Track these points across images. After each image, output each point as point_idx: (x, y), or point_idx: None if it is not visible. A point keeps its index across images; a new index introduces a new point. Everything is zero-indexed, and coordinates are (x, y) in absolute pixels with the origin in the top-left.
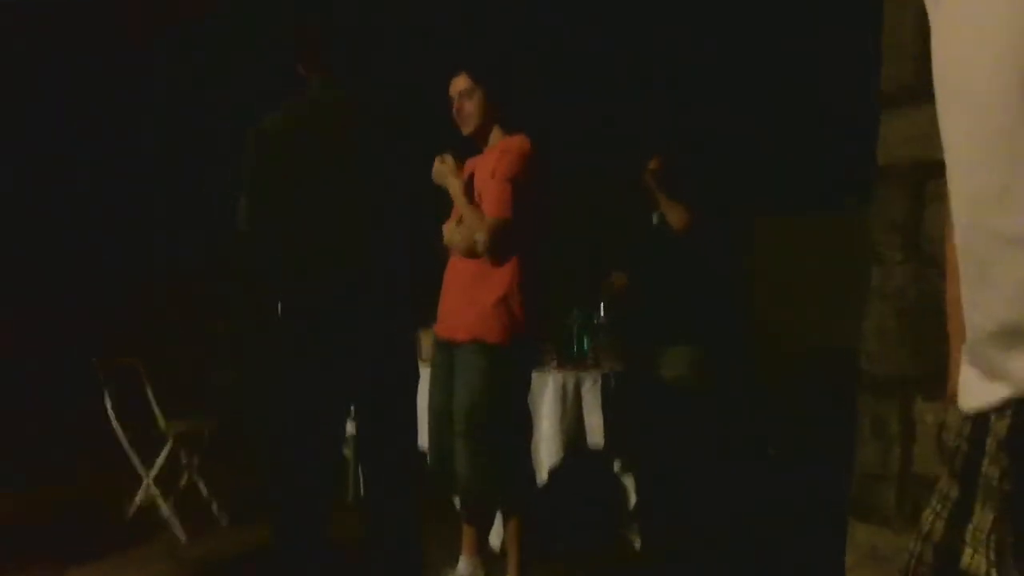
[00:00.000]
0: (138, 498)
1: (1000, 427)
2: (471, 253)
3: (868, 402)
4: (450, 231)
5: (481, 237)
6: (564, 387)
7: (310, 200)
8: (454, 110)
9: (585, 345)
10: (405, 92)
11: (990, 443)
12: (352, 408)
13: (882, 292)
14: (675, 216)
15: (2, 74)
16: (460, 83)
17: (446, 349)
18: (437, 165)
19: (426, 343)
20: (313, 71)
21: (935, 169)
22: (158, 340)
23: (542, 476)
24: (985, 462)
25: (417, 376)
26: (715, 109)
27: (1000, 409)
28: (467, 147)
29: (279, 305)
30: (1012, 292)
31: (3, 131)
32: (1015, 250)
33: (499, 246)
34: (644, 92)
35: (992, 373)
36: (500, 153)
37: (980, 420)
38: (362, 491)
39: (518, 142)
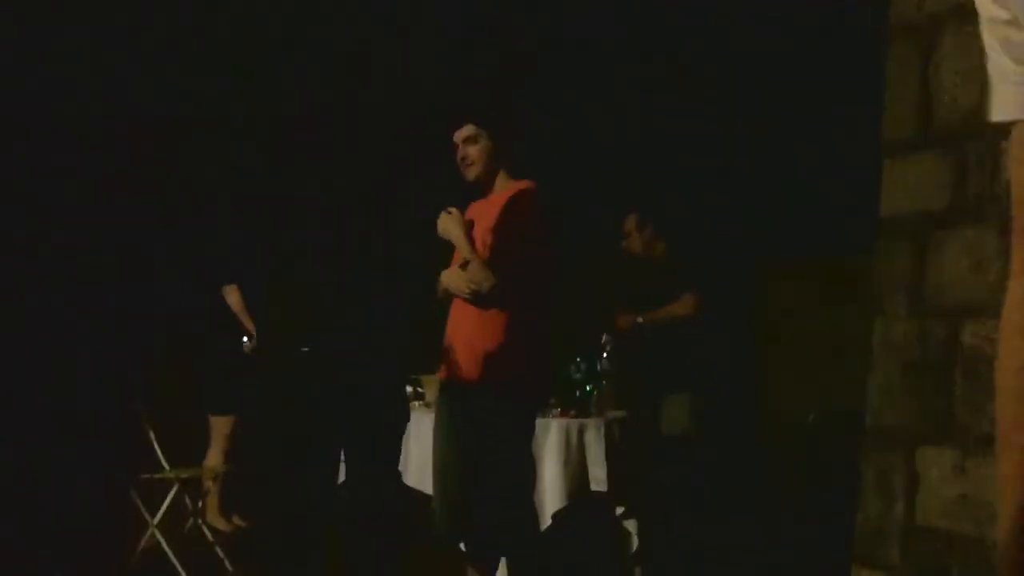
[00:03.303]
0: (143, 543)
1: None
2: (475, 299)
3: (872, 455)
4: (448, 275)
5: (485, 284)
6: (567, 434)
7: (310, 244)
8: (458, 157)
9: (588, 392)
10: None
11: None
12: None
13: (886, 346)
14: (684, 310)
15: None
16: (464, 131)
17: (451, 393)
18: (442, 217)
19: (430, 387)
20: None
21: (938, 220)
22: (160, 386)
23: (545, 521)
24: None
25: (406, 419)
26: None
27: None
28: (472, 192)
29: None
30: None
31: None
32: None
33: (501, 292)
34: (648, 138)
35: None
36: (504, 198)
37: None
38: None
39: (523, 187)
